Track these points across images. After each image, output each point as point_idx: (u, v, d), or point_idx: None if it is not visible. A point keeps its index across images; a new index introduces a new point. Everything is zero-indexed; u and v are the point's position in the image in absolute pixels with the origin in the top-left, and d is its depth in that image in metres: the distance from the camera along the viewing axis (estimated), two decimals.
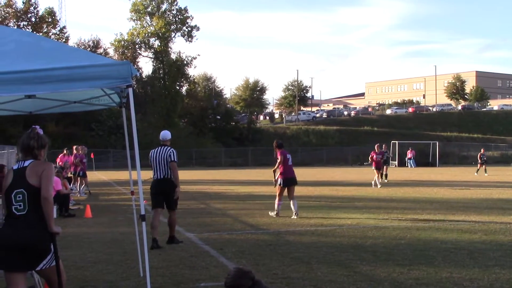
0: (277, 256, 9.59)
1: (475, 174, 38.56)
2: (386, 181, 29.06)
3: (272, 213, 14.98)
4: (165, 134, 11.01)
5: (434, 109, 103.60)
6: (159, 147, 10.82)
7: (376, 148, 27.23)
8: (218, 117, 78.02)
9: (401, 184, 26.42)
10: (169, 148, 10.76)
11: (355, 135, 78.27)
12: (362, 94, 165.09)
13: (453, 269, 8.46)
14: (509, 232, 12.18)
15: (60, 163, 21.15)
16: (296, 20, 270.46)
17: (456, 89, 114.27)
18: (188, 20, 74.95)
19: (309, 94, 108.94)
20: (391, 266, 8.70)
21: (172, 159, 10.62)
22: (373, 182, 26.26)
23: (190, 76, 76.98)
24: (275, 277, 8.02)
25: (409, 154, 57.18)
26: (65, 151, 22.80)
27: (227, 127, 75.98)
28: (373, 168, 26.78)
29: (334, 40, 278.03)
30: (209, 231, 12.64)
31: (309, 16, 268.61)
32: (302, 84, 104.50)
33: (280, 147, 14.89)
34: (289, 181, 14.67)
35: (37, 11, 65.46)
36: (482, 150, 41.81)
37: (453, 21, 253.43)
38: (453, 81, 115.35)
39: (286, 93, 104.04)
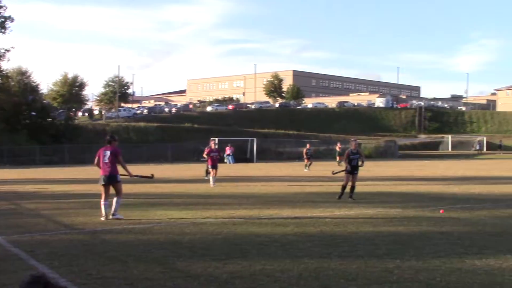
0: (92, 255, 9.31)
1: (305, 170, 38.99)
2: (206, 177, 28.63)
3: (102, 218, 13.73)
4: None
5: (253, 107, 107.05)
6: None
7: (211, 144, 26.03)
8: (33, 113, 74.32)
9: (219, 180, 26.83)
10: None
11: (176, 131, 78.45)
12: (184, 91, 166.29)
13: (266, 261, 8.75)
14: (318, 224, 12.86)
15: None
16: (119, 15, 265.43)
17: (274, 87, 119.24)
18: (1, 10, 70.57)
19: (130, 91, 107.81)
20: (208, 261, 8.80)
21: None
22: (211, 179, 24.86)
23: (3, 69, 72.66)
24: (89, 278, 7.76)
25: (228, 151, 58.37)
26: None
27: (43, 124, 72.47)
28: (209, 166, 25.61)
29: (158, 37, 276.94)
30: (19, 232, 11.93)
31: (134, 12, 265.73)
32: (124, 80, 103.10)
33: (106, 143, 13.99)
34: (102, 179, 13.84)
35: None
36: (308, 146, 41.99)
37: (272, 21, 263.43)
38: (271, 79, 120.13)
39: (107, 89, 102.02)
